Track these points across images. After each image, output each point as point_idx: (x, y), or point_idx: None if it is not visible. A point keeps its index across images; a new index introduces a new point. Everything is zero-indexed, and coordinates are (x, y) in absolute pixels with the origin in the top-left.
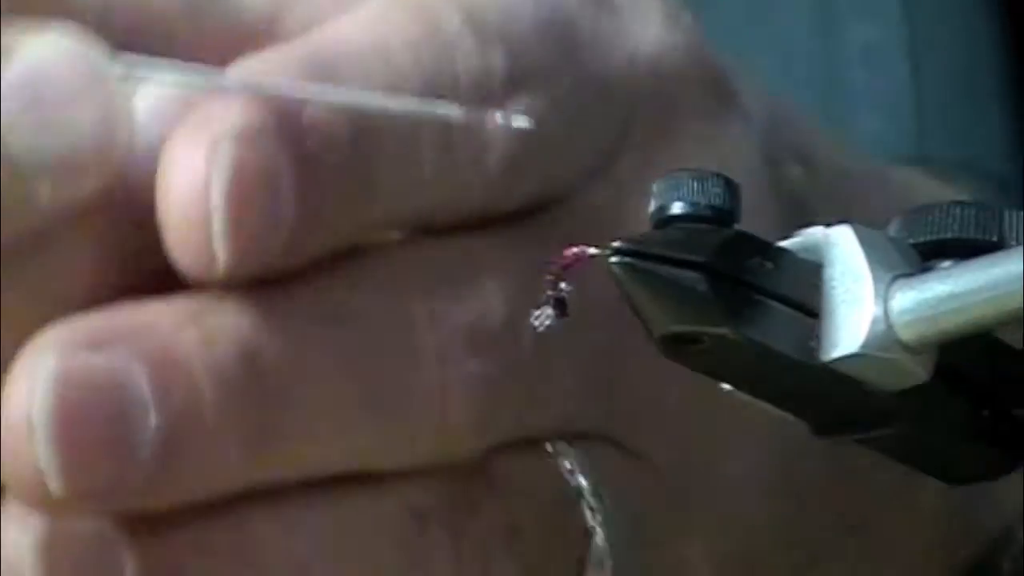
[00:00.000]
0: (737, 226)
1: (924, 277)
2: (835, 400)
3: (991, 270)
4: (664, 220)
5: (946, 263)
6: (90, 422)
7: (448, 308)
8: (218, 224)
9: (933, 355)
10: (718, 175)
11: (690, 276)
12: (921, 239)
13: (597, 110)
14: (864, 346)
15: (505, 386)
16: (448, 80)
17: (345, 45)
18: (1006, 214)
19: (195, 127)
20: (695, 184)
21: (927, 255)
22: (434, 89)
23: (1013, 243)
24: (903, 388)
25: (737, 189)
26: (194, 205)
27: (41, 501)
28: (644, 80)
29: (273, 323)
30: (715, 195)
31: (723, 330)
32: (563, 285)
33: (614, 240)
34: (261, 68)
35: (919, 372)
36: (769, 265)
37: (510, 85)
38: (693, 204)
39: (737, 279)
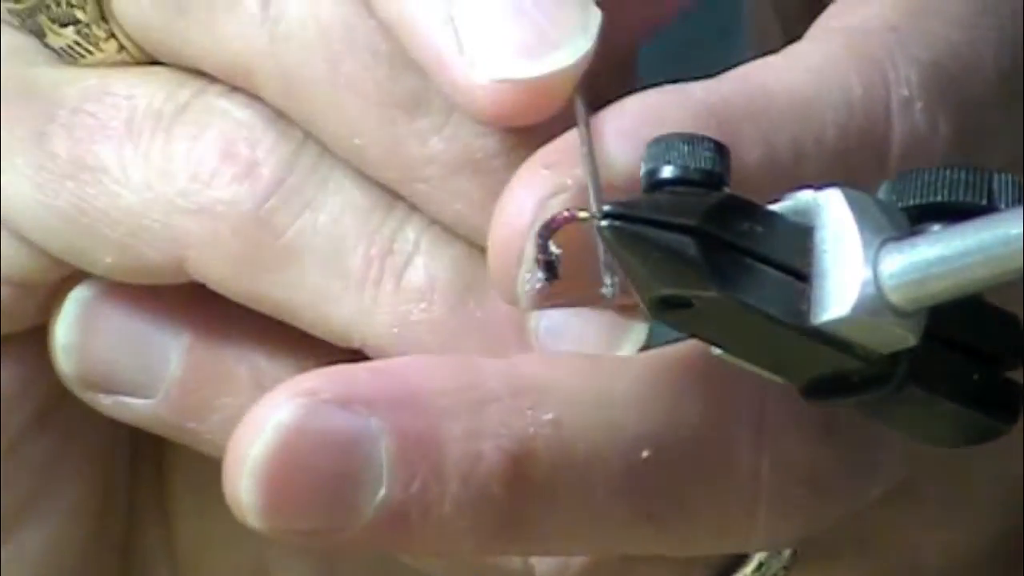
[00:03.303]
0: (727, 189)
1: (913, 240)
2: (825, 363)
3: (981, 233)
4: (654, 184)
5: (935, 226)
6: (309, 476)
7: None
8: (524, 274)
9: (923, 318)
10: (708, 138)
11: (680, 239)
12: (910, 202)
13: None
14: (854, 309)
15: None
16: (877, 140)
17: (781, 93)
18: (995, 177)
19: (542, 165)
20: (685, 147)
21: (916, 218)
22: (861, 146)
23: (1002, 206)
24: (893, 351)
25: (727, 152)
26: (511, 249)
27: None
28: None
29: (556, 431)
30: (705, 158)
31: (713, 293)
32: (552, 248)
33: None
34: (661, 101)
35: (909, 335)
36: (759, 228)
37: (952, 147)
38: (683, 168)
39: (727, 242)
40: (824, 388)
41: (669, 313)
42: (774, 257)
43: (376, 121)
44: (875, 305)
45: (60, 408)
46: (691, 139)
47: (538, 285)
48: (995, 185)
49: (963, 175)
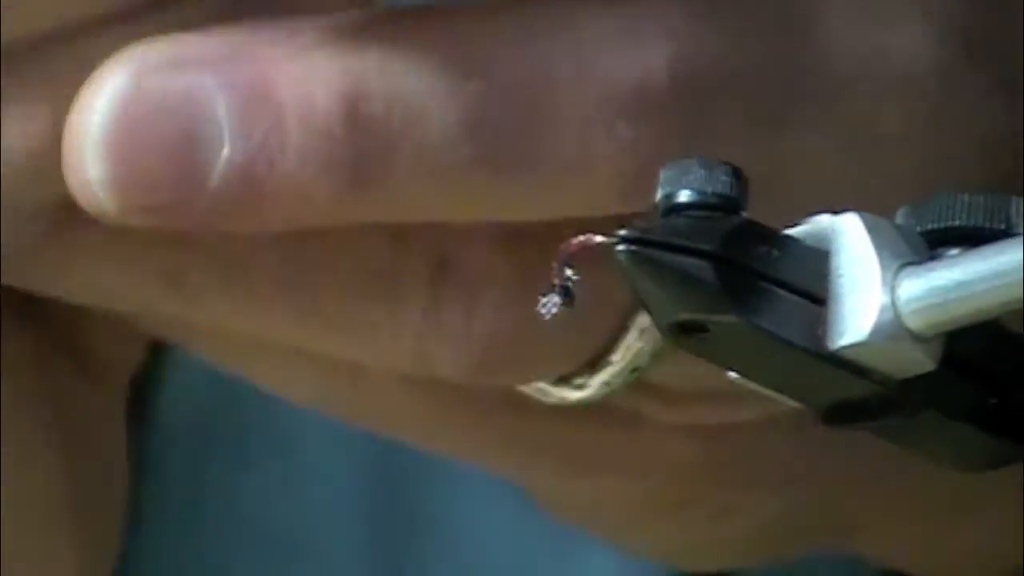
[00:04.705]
0: (745, 214)
1: (931, 265)
2: (843, 389)
3: (999, 258)
4: (671, 208)
5: (954, 251)
6: (152, 141)
7: (599, 65)
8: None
9: (941, 343)
10: (724, 163)
11: (697, 264)
12: (929, 227)
13: None
14: (872, 334)
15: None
16: None
17: None
18: (1014, 201)
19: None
20: (702, 172)
21: (934, 243)
22: None
23: (1020, 231)
24: (910, 376)
25: (744, 177)
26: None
27: (98, 214)
28: None
29: (384, 66)
30: (722, 183)
31: (730, 318)
32: (568, 272)
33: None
34: None
35: (926, 360)
36: (776, 253)
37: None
38: (700, 192)
39: (744, 267)
40: (843, 413)
41: (685, 338)
42: (791, 282)
43: None
44: (893, 330)
45: None
46: (708, 164)
47: (555, 310)
48: (1013, 210)
49: (982, 200)
